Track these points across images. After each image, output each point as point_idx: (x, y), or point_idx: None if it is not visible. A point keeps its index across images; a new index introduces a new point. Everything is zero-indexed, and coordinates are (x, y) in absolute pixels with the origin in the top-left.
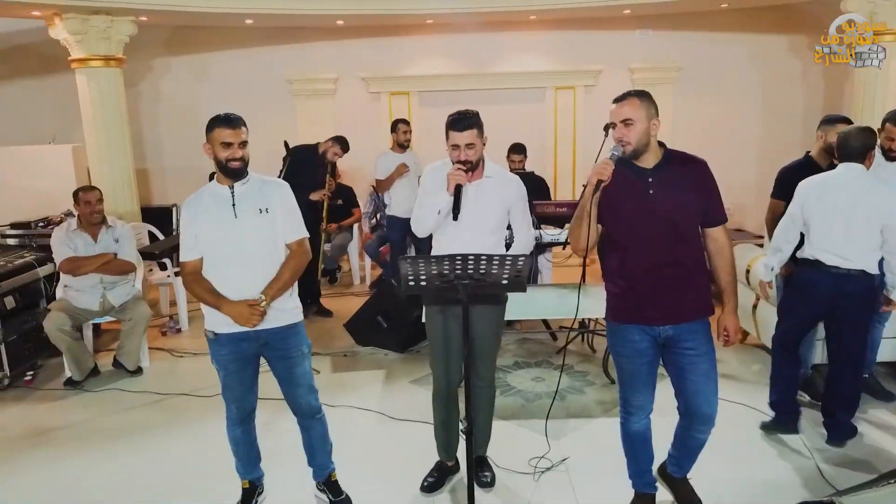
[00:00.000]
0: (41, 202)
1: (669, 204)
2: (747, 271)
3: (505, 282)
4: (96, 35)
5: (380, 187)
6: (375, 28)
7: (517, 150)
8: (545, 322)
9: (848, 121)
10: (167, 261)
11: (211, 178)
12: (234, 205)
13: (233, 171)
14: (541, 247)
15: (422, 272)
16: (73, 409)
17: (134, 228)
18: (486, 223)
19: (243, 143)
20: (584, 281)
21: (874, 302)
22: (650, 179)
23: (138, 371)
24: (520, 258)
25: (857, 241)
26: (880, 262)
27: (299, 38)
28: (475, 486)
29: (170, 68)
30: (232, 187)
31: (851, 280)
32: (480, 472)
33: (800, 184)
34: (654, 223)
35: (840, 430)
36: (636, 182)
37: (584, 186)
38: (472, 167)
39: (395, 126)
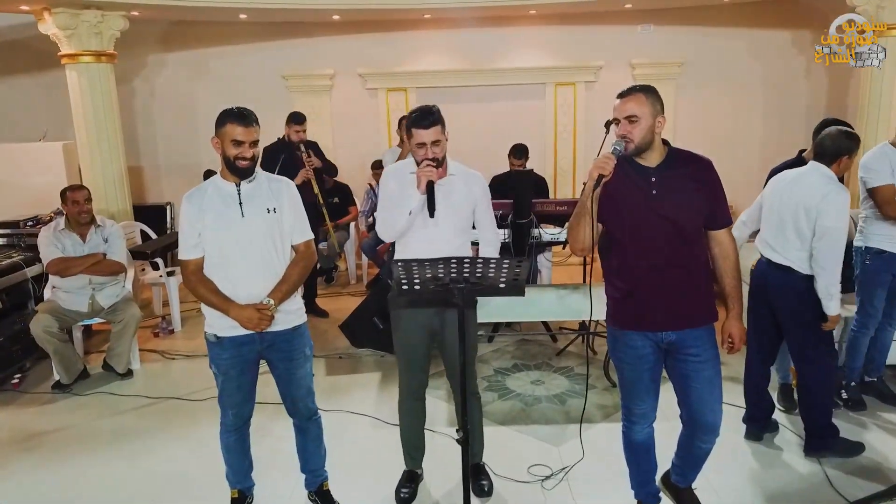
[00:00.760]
0: (31, 201)
1: (673, 205)
2: (751, 271)
3: (503, 285)
4: (87, 30)
5: None
6: (372, 23)
7: (517, 153)
8: (545, 323)
9: (845, 125)
10: (159, 260)
11: (206, 176)
12: (240, 203)
13: (241, 171)
14: (540, 246)
15: (415, 276)
16: (61, 413)
17: (126, 227)
18: (455, 223)
19: (254, 143)
20: (590, 282)
21: (810, 303)
22: (653, 179)
23: (129, 374)
24: (518, 262)
25: (788, 237)
26: None
27: (295, 33)
28: (472, 494)
29: (165, 64)
30: (238, 185)
31: (780, 274)
32: (478, 480)
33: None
34: (656, 224)
35: (812, 439)
36: (639, 181)
37: (585, 184)
38: (439, 164)
39: (401, 122)
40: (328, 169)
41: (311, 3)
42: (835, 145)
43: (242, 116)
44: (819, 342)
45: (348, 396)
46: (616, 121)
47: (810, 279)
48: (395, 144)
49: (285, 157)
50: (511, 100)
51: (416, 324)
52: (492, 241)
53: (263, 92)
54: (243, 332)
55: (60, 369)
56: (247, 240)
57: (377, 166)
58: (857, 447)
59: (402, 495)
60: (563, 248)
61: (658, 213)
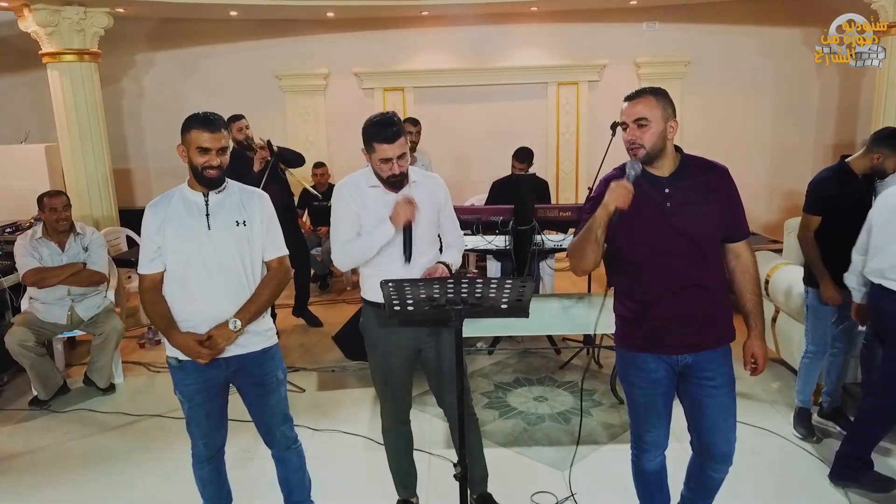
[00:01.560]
0: (11, 206)
1: (689, 217)
2: (766, 281)
3: (504, 306)
4: (69, 28)
5: None
6: (368, 21)
7: (521, 157)
8: (548, 335)
9: None
10: None
11: None
12: (207, 214)
13: (208, 181)
14: (543, 253)
15: (408, 296)
16: (37, 432)
17: (111, 233)
18: (425, 234)
19: (222, 150)
20: (605, 293)
21: None
22: (666, 190)
23: (111, 388)
24: (523, 282)
25: None
26: None
27: (288, 31)
28: None
29: (153, 64)
30: (206, 195)
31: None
32: None
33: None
34: (671, 239)
35: (843, 468)
36: (650, 192)
37: (590, 192)
38: (405, 178)
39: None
40: (293, 159)
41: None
42: None
43: (209, 122)
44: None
45: (340, 414)
46: (623, 125)
47: None
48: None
49: (239, 166)
50: (512, 100)
51: (394, 346)
52: (454, 243)
53: (256, 92)
54: None
55: (38, 385)
56: (213, 255)
57: None
58: (890, 483)
59: None
60: (567, 255)
61: (673, 228)
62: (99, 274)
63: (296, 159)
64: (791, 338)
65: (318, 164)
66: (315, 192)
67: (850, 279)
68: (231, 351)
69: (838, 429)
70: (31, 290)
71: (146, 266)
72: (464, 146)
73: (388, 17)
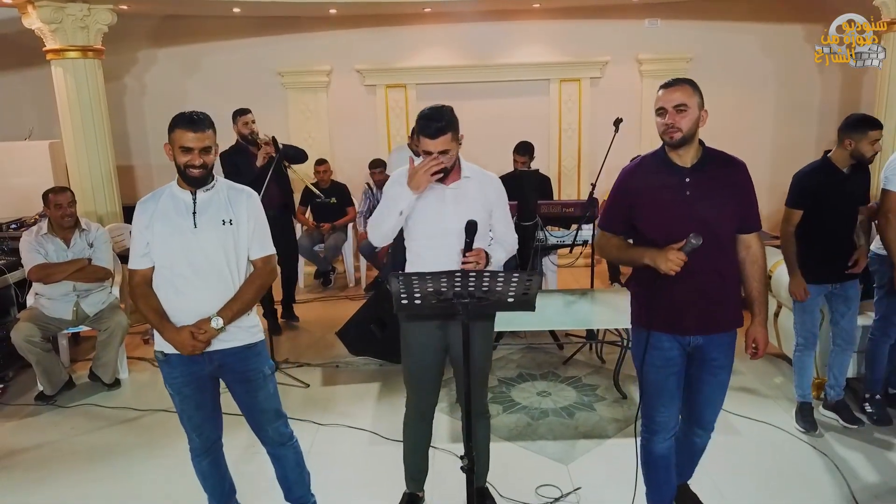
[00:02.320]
0: (15, 202)
1: (707, 208)
2: (769, 277)
3: (511, 300)
4: (73, 24)
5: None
6: (370, 17)
7: (521, 150)
8: (551, 330)
9: (879, 124)
10: None
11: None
12: (194, 213)
13: (191, 180)
14: (546, 249)
15: (416, 290)
16: (43, 427)
17: (115, 230)
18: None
19: (206, 150)
20: (610, 285)
21: None
22: (688, 179)
23: (116, 384)
24: (530, 275)
25: None
26: None
27: (291, 28)
28: None
29: (156, 60)
30: (194, 193)
31: None
32: None
33: None
34: (690, 226)
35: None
36: (672, 181)
37: (593, 188)
38: (447, 173)
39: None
40: (296, 156)
41: None
42: None
43: (192, 121)
44: None
45: (345, 408)
46: (661, 110)
47: None
48: (407, 142)
49: (240, 161)
50: (514, 96)
51: (429, 338)
52: (504, 242)
53: (258, 89)
54: None
55: (43, 380)
56: (199, 252)
57: (376, 165)
58: None
59: None
60: (570, 251)
61: (692, 216)
62: (104, 270)
63: (298, 156)
64: (792, 333)
65: (321, 161)
66: (316, 192)
67: None
68: (214, 345)
69: (841, 422)
70: (36, 286)
71: (136, 262)
72: (466, 143)
73: (391, 14)
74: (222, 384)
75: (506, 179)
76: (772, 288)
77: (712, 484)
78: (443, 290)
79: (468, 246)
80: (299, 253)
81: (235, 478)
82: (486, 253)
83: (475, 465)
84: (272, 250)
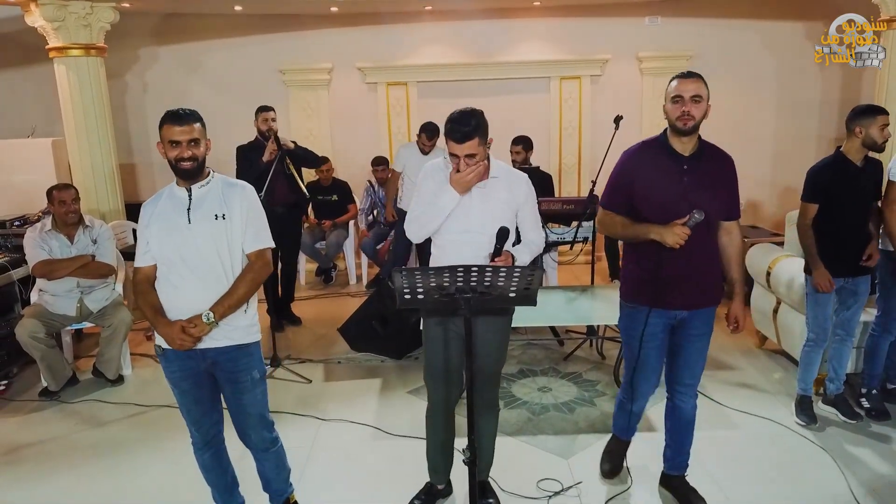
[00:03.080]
0: (18, 199)
1: (701, 194)
2: (768, 273)
3: (512, 295)
4: (75, 22)
5: (394, 178)
6: (372, 15)
7: (517, 141)
8: (552, 326)
9: (886, 111)
10: None
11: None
12: (189, 209)
13: (184, 172)
14: (547, 246)
15: (419, 285)
16: (47, 423)
17: (117, 227)
18: (495, 229)
19: (194, 142)
20: (611, 281)
21: None
22: (685, 167)
23: (119, 380)
24: (531, 270)
25: None
26: None
27: (292, 26)
28: None
29: (157, 58)
30: (189, 190)
31: None
32: (484, 498)
33: None
34: (686, 210)
35: None
36: (671, 166)
37: (593, 183)
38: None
39: (420, 130)
40: (305, 158)
41: None
42: None
43: (177, 116)
44: None
45: (347, 404)
46: (677, 98)
47: None
48: (413, 139)
49: (254, 157)
50: (514, 94)
51: (448, 331)
52: (529, 241)
53: (259, 87)
54: None
55: (48, 376)
56: (192, 248)
57: (378, 163)
58: None
59: None
60: (570, 248)
61: (687, 200)
62: (107, 266)
63: (305, 157)
64: (792, 329)
65: (323, 160)
66: (304, 191)
67: None
68: (206, 343)
69: (841, 416)
70: (40, 282)
71: (139, 260)
72: None
73: (392, 12)
74: None
75: None
76: (771, 284)
77: (711, 478)
78: (445, 285)
79: (497, 251)
80: (300, 250)
81: (238, 471)
82: (513, 257)
83: (479, 457)
84: (268, 244)
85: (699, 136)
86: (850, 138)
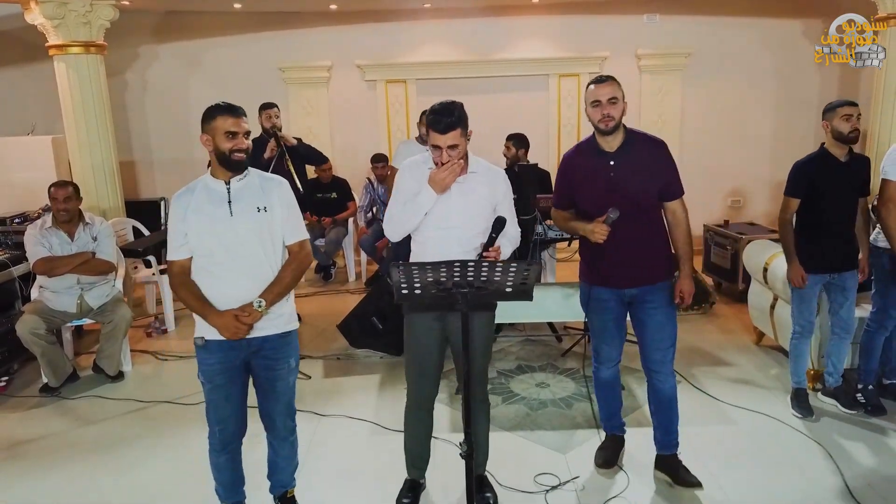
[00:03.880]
0: (18, 197)
1: (630, 185)
2: (765, 269)
3: (509, 290)
4: (75, 20)
5: (393, 175)
6: (371, 13)
7: (510, 137)
8: (549, 322)
9: (851, 102)
10: (152, 258)
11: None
12: (230, 202)
13: (236, 164)
14: (545, 243)
15: (416, 280)
16: (48, 418)
17: (117, 224)
18: (475, 224)
19: (248, 133)
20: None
21: None
22: (612, 162)
23: (119, 376)
24: (528, 265)
25: None
26: None
27: (292, 24)
28: None
29: (157, 56)
30: (228, 182)
31: None
32: (481, 493)
33: None
34: (614, 201)
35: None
36: (598, 166)
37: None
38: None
39: (422, 117)
40: (308, 155)
41: None
42: None
43: (232, 108)
44: None
45: (346, 400)
46: (596, 102)
47: None
48: (413, 136)
49: (258, 154)
50: (513, 91)
51: (430, 328)
52: (511, 235)
53: (259, 84)
54: None
55: (48, 372)
56: (235, 240)
57: (377, 160)
58: None
59: None
60: (568, 245)
61: (618, 193)
62: (108, 263)
63: (309, 155)
64: (789, 325)
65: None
66: (298, 187)
67: None
68: (252, 332)
69: (841, 407)
70: (40, 279)
71: (174, 253)
72: None
73: (391, 10)
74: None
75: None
76: (768, 281)
77: (708, 472)
78: (442, 279)
79: (492, 241)
80: None
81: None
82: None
83: (475, 452)
84: (306, 235)
85: (625, 130)
86: (826, 135)
